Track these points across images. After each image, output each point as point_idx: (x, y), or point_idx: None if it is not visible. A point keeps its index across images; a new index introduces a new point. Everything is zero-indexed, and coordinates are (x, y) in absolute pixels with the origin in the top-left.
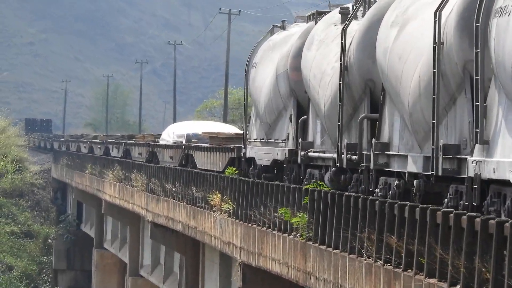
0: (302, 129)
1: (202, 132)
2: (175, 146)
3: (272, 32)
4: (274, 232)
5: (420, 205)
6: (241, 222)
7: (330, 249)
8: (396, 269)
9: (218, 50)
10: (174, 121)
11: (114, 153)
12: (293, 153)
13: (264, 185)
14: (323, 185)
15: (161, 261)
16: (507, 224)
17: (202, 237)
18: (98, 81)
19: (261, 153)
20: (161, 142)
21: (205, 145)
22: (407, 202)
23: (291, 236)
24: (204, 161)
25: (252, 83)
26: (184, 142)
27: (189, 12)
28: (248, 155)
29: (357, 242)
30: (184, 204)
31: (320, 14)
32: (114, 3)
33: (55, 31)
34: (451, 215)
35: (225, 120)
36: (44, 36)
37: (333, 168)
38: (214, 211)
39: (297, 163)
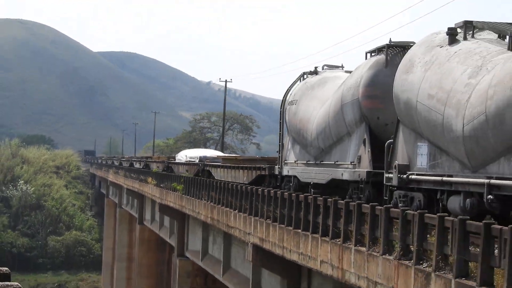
0: (388, 152)
1: (217, 156)
2: (191, 164)
3: (302, 78)
4: (187, 196)
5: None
6: (186, 195)
7: (196, 198)
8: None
9: None
10: (135, 151)
11: (137, 166)
12: (371, 174)
13: (186, 178)
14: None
15: (159, 219)
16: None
17: (184, 210)
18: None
19: (310, 173)
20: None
21: (219, 163)
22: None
23: (177, 193)
24: (223, 175)
25: (294, 116)
26: (197, 161)
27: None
28: (285, 173)
29: (202, 196)
30: (172, 191)
31: (380, 50)
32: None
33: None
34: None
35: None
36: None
37: (490, 196)
38: (181, 194)
39: (370, 184)
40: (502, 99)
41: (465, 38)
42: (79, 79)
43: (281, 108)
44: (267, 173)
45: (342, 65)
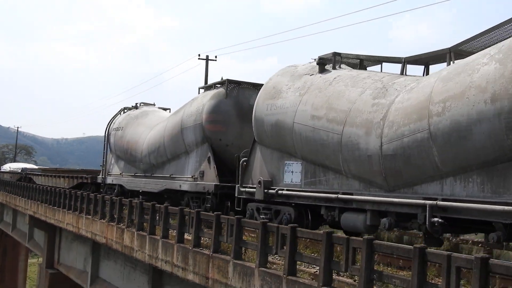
0: (242, 169)
1: (38, 167)
2: (14, 172)
3: (123, 111)
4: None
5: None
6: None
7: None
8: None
9: None
10: None
11: None
12: (218, 187)
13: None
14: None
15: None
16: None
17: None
18: None
19: (138, 183)
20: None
21: (39, 173)
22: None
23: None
24: (44, 181)
25: (120, 139)
26: (20, 171)
27: None
28: (109, 182)
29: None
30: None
31: (215, 85)
32: None
33: None
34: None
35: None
36: None
37: (438, 219)
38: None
39: (216, 195)
40: (467, 114)
41: (334, 67)
42: None
43: (105, 134)
44: (89, 181)
45: (154, 103)
